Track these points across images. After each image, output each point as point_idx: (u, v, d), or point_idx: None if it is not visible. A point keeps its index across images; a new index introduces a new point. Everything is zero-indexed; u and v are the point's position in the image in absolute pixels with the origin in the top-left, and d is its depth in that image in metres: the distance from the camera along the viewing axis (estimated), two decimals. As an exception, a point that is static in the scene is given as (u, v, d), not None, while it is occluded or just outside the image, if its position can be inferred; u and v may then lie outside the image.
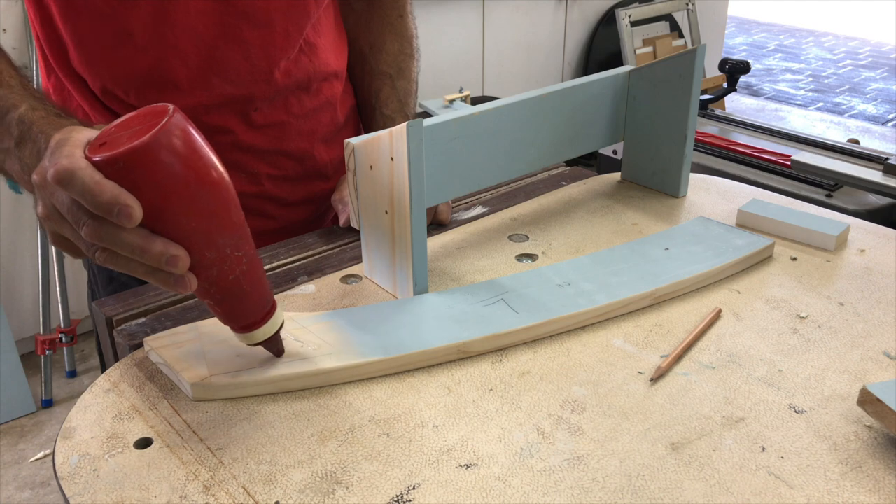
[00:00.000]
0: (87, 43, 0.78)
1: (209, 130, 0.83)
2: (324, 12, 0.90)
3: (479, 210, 0.91)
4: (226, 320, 0.57)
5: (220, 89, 0.81)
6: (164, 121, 0.48)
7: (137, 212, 0.48)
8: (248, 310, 0.56)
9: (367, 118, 0.99)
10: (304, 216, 0.95)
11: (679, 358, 0.63)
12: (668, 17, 3.44)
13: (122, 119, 0.51)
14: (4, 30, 2.02)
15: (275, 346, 0.60)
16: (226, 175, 0.52)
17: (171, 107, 0.49)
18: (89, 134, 0.51)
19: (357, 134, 0.99)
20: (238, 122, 0.84)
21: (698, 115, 2.34)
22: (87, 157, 0.48)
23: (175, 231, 0.50)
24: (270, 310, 0.58)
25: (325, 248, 0.83)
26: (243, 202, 0.89)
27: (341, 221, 0.86)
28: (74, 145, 0.50)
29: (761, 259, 0.78)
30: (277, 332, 0.59)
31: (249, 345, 0.59)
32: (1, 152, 0.65)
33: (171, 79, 0.79)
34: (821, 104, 4.58)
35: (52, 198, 0.51)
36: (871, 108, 4.50)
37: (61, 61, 0.80)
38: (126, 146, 0.47)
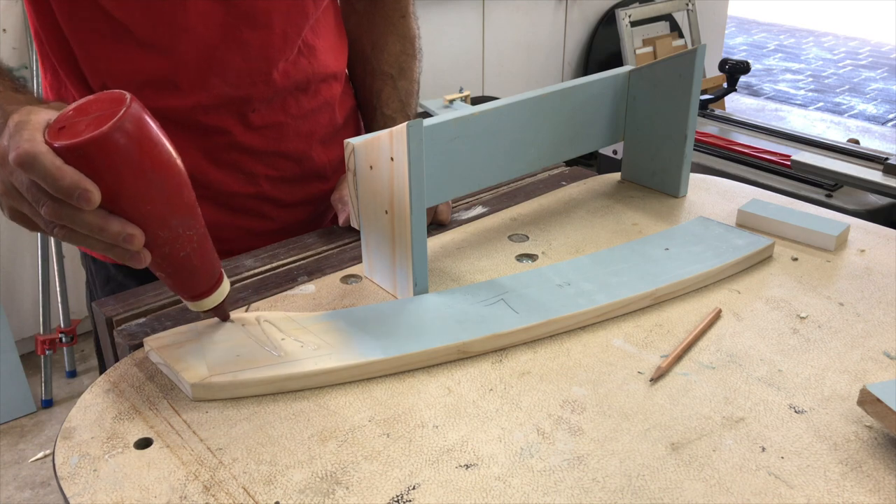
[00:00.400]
0: (87, 40, 0.78)
1: (207, 131, 0.83)
2: (323, 14, 0.90)
3: (479, 210, 0.91)
4: (176, 290, 0.61)
5: (218, 90, 0.81)
6: (122, 111, 0.50)
7: (96, 196, 0.50)
8: (197, 282, 0.60)
9: (368, 118, 0.99)
10: (302, 217, 0.95)
11: (679, 358, 0.63)
12: (668, 17, 3.44)
13: (79, 103, 0.53)
14: (4, 30, 2.02)
15: (222, 313, 0.64)
16: (179, 160, 0.55)
17: (127, 95, 0.51)
18: (47, 115, 0.53)
19: (356, 135, 0.99)
20: (235, 122, 0.84)
21: (698, 115, 2.34)
22: (47, 142, 0.51)
23: (131, 212, 0.53)
24: (217, 281, 0.62)
25: (325, 248, 0.83)
26: (241, 203, 0.89)
27: (341, 221, 0.86)
28: (34, 128, 0.52)
29: (761, 259, 0.78)
30: (224, 301, 0.63)
31: (198, 311, 0.63)
32: None
33: (170, 78, 0.79)
34: (821, 104, 4.59)
35: (11, 177, 0.53)
36: (871, 108, 4.50)
37: (62, 57, 0.80)
38: (86, 135, 0.50)
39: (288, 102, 0.87)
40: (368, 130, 0.99)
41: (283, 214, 0.93)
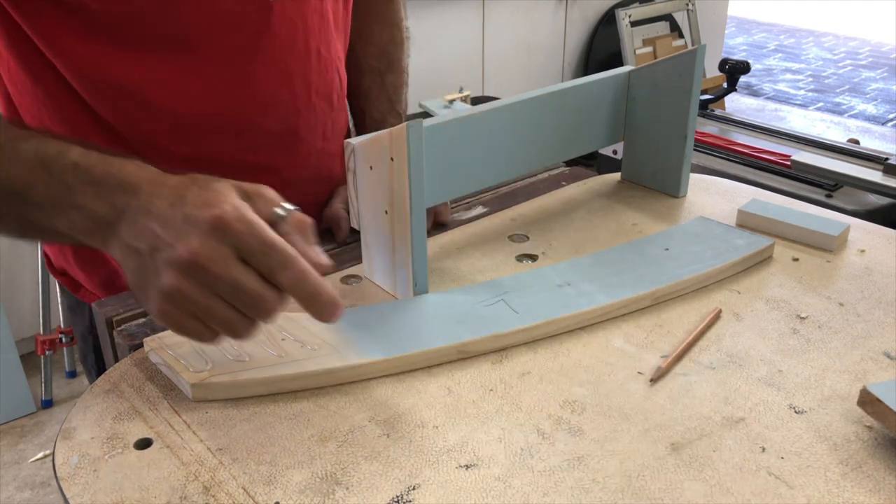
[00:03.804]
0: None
1: (255, 169, 0.78)
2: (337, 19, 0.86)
3: (479, 210, 0.91)
4: None
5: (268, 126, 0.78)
6: None
7: None
8: None
9: (356, 119, 0.96)
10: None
11: (679, 358, 0.63)
12: (668, 17, 3.44)
13: None
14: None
15: None
16: None
17: None
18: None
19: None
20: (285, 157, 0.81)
21: (698, 115, 2.34)
22: None
23: None
24: None
25: (325, 248, 0.83)
26: None
27: (339, 239, 0.84)
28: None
29: (761, 259, 0.78)
30: None
31: None
32: (47, 208, 0.56)
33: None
34: (821, 104, 4.59)
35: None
36: (871, 108, 4.50)
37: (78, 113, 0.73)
38: None
39: (326, 125, 0.83)
40: (358, 132, 0.96)
41: None
